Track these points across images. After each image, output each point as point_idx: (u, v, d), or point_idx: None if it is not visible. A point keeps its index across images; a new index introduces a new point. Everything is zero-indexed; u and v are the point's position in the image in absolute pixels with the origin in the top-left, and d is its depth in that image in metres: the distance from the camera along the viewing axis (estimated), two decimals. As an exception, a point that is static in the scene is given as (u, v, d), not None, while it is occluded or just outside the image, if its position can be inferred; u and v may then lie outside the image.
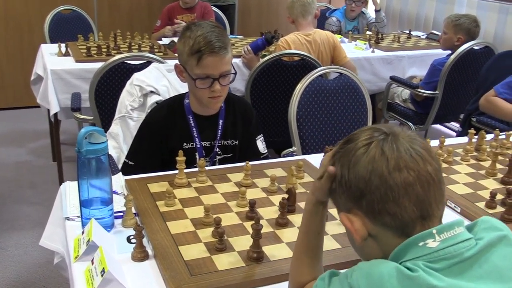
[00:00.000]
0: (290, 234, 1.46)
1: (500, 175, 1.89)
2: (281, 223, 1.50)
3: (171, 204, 1.57)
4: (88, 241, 1.32)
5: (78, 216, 1.50)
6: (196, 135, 1.95)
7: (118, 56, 2.79)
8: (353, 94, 2.66)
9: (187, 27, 1.84)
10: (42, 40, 4.25)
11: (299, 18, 3.52)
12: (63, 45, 3.52)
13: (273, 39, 3.47)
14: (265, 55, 3.58)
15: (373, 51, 4.12)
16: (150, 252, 1.36)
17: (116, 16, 5.50)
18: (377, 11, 4.97)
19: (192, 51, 1.78)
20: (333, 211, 1.54)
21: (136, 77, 2.40)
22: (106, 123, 2.88)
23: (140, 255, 1.33)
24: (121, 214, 1.51)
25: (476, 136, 2.15)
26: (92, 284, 1.21)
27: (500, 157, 1.96)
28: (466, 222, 0.99)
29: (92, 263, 1.26)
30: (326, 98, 2.60)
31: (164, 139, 1.95)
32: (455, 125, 4.65)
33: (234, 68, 1.88)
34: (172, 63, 2.96)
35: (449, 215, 1.56)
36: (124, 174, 1.83)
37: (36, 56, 3.72)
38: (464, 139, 2.22)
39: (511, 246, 0.94)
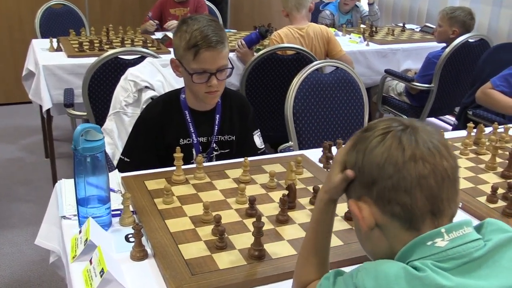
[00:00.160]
0: (291, 231, 1.44)
1: (500, 169, 1.87)
2: (282, 220, 1.47)
3: (169, 201, 1.54)
4: (86, 240, 1.29)
5: (74, 215, 1.47)
6: (192, 131, 1.92)
7: (111, 51, 2.75)
8: (350, 88, 2.64)
9: (183, 21, 1.81)
10: (33, 35, 4.19)
11: (293, 12, 3.49)
12: (54, 40, 3.47)
13: (267, 32, 3.44)
14: (259, 49, 3.55)
15: (367, 45, 4.10)
16: (149, 251, 1.33)
17: (108, 11, 5.45)
18: (370, 4, 4.94)
19: (189, 46, 1.75)
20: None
21: (131, 72, 2.37)
22: (99, 119, 2.85)
23: (139, 255, 1.30)
24: (119, 212, 1.49)
25: (475, 130, 2.13)
26: (91, 285, 1.19)
27: (499, 151, 1.94)
28: (467, 217, 0.97)
29: (91, 263, 1.24)
30: (322, 92, 2.58)
31: (160, 135, 1.92)
32: (450, 118, 4.65)
33: (231, 62, 1.85)
34: (166, 57, 2.94)
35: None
36: (120, 171, 1.80)
37: (27, 52, 3.67)
38: (461, 133, 2.21)
39: None
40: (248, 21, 5.83)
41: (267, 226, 1.44)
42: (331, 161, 1.91)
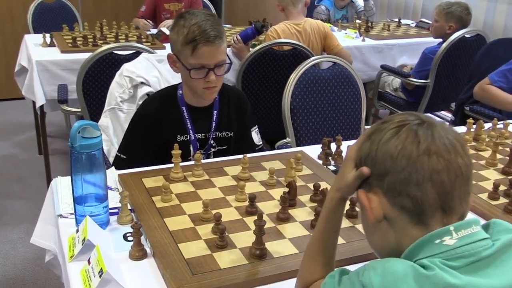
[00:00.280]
0: (292, 230, 1.41)
1: (500, 166, 1.86)
2: (283, 218, 1.45)
3: (168, 199, 1.51)
4: (84, 239, 1.26)
5: (71, 213, 1.45)
6: (190, 127, 1.90)
7: (106, 47, 2.72)
8: (347, 84, 2.62)
9: (180, 16, 1.78)
10: (25, 31, 4.14)
11: (289, 6, 3.46)
12: (47, 35, 3.43)
13: (262, 28, 3.41)
14: (254, 45, 3.52)
15: (363, 40, 4.07)
16: (148, 250, 1.30)
17: (101, 5, 5.39)
18: (365, -1, 4.93)
19: (187, 41, 1.72)
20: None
21: (126, 68, 2.33)
22: (94, 115, 2.81)
23: (138, 254, 1.28)
24: (116, 210, 1.46)
25: (474, 126, 2.12)
26: (89, 285, 1.16)
27: (499, 147, 1.93)
28: (468, 214, 0.95)
29: (89, 263, 1.21)
30: (320, 88, 2.55)
31: (157, 132, 1.89)
32: (446, 114, 4.64)
33: (229, 57, 1.82)
34: (160, 53, 2.93)
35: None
36: (116, 168, 1.77)
37: (20, 47, 3.62)
38: (459, 129, 2.19)
39: None
40: (242, 16, 5.80)
41: (268, 224, 1.41)
42: (330, 158, 1.89)
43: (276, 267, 1.25)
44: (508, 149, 1.86)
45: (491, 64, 3.19)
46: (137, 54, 2.70)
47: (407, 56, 4.22)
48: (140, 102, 2.26)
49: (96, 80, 2.73)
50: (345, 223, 1.45)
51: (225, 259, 1.27)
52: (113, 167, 1.74)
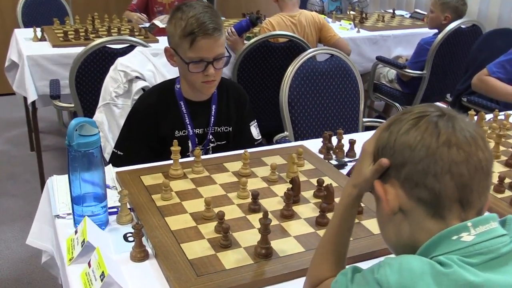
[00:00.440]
0: (297, 227, 1.38)
1: (504, 157, 1.83)
2: (287, 215, 1.42)
3: (168, 197, 1.47)
4: (83, 241, 1.22)
5: (68, 214, 1.40)
6: (188, 122, 1.85)
7: (99, 40, 2.66)
8: (345, 76, 2.58)
9: (177, 8, 1.73)
10: (14, 25, 4.06)
11: (284, -2, 3.42)
12: (38, 29, 3.36)
13: (257, 20, 3.36)
14: (249, 37, 3.48)
15: (358, 31, 4.04)
16: (149, 251, 1.26)
17: (91, -2, 5.31)
18: (359, -10, 4.89)
19: (185, 33, 1.67)
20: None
21: (120, 62, 2.29)
22: (88, 111, 2.77)
23: (139, 255, 1.24)
24: (115, 210, 1.42)
25: (475, 117, 2.09)
26: (90, 289, 1.12)
27: (502, 139, 1.90)
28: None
29: (89, 266, 1.16)
30: (318, 80, 2.52)
31: (154, 127, 1.85)
32: (441, 105, 4.61)
33: (228, 50, 1.78)
34: (154, 46, 2.87)
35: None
36: (113, 165, 1.73)
37: (10, 42, 3.55)
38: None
39: None
40: (235, 8, 5.74)
41: (272, 221, 1.36)
42: (331, 152, 1.86)
43: (283, 267, 1.21)
44: (511, 140, 1.83)
45: (488, 54, 3.16)
46: (130, 47, 2.66)
47: (402, 47, 4.19)
48: (136, 97, 2.22)
49: (90, 75, 2.68)
50: (352, 219, 1.41)
51: (230, 259, 1.23)
52: (110, 165, 1.69)
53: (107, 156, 2.11)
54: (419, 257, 0.84)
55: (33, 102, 3.07)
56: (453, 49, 3.65)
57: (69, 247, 1.27)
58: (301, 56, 2.50)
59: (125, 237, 1.32)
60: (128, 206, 1.42)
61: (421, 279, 0.79)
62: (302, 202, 1.50)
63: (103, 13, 3.91)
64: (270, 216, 1.38)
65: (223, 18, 4.32)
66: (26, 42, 3.28)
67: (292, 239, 1.32)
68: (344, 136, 1.90)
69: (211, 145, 1.92)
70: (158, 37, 3.43)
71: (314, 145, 1.94)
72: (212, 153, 1.91)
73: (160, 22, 3.75)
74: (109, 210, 1.40)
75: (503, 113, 2.18)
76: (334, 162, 1.81)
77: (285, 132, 2.45)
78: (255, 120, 2.03)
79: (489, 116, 2.21)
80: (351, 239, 1.31)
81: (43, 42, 3.29)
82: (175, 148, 1.60)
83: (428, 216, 0.87)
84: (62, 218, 1.41)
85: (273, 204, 1.48)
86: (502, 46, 3.13)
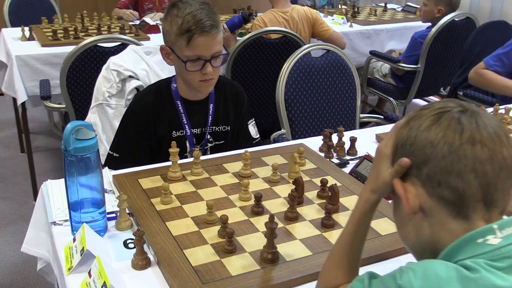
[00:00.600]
0: (302, 229, 1.34)
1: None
2: (291, 217, 1.38)
3: (168, 201, 1.43)
4: (82, 250, 1.17)
5: (65, 220, 1.35)
6: (185, 122, 1.81)
7: (90, 39, 2.60)
8: (342, 71, 2.54)
9: (173, 5, 1.68)
10: (1, 24, 3.98)
11: (275, -8, 3.37)
12: (26, 28, 3.28)
13: (250, 16, 3.30)
14: (241, 34, 3.43)
15: (351, 26, 4.00)
16: (151, 257, 1.22)
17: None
18: (350, -16, 4.85)
19: (181, 31, 1.62)
20: (346, 199, 1.44)
21: (113, 61, 2.23)
22: (79, 111, 2.71)
23: (141, 263, 1.19)
24: (114, 215, 1.37)
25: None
26: (91, 300, 1.07)
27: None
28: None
29: (90, 275, 1.12)
30: (314, 76, 2.48)
31: (151, 128, 1.80)
32: (434, 99, 4.60)
33: (225, 48, 1.73)
34: (147, 44, 2.81)
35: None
36: (109, 167, 1.68)
37: (-3, 42, 3.47)
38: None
39: None
40: (225, 3, 5.67)
41: (276, 224, 1.34)
42: (332, 150, 1.82)
43: (290, 272, 1.17)
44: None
45: (483, 47, 3.15)
46: (122, 46, 2.60)
47: (395, 41, 4.17)
48: (129, 97, 2.17)
49: (81, 74, 2.63)
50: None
51: (235, 264, 1.19)
52: (106, 167, 1.64)
53: (102, 158, 2.06)
54: (444, 261, 0.81)
55: (23, 103, 3.01)
56: (447, 43, 3.62)
57: (68, 256, 1.22)
58: (297, 53, 2.46)
59: (125, 244, 1.28)
60: (127, 211, 1.37)
61: (448, 284, 0.76)
62: (306, 203, 1.47)
63: (92, 11, 3.84)
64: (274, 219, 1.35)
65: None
66: (14, 42, 3.21)
67: (298, 242, 1.28)
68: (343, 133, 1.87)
69: (209, 145, 1.87)
70: (149, 35, 3.37)
71: (314, 143, 1.90)
72: (210, 153, 1.86)
73: (150, 19, 3.69)
74: (107, 216, 1.35)
75: (503, 106, 2.15)
76: (335, 160, 1.77)
77: (282, 130, 2.40)
78: (253, 119, 1.99)
79: (490, 110, 2.18)
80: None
81: (31, 42, 3.23)
82: (174, 149, 1.55)
83: (450, 217, 0.84)
84: (59, 225, 1.36)
85: (276, 205, 1.44)
86: (497, 38, 3.11)
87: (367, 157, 1.66)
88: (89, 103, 2.32)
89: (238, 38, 3.25)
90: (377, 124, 2.60)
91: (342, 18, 4.08)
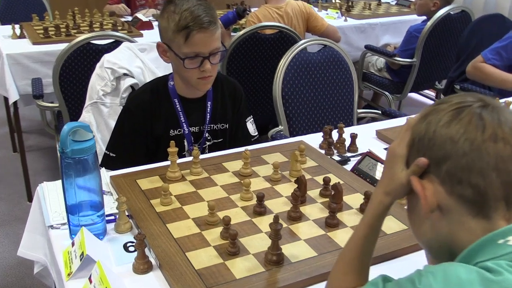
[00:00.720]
0: (306, 229, 1.31)
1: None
2: (295, 217, 1.35)
3: (168, 202, 1.39)
4: (82, 254, 1.14)
5: (63, 224, 1.32)
6: (183, 120, 1.77)
7: (83, 36, 2.55)
8: (339, 66, 2.52)
9: (170, 1, 1.64)
10: (-9, 22, 3.93)
11: (269, -12, 3.33)
12: (17, 26, 3.23)
13: (244, 12, 3.26)
14: (236, 29, 3.39)
15: (345, 20, 3.97)
16: (153, 261, 1.19)
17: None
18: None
19: (179, 28, 1.59)
20: (349, 197, 1.41)
21: (107, 59, 2.18)
22: (73, 110, 2.67)
23: (143, 267, 1.16)
24: (113, 218, 1.34)
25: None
26: (93, 307, 1.04)
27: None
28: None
29: (90, 281, 1.08)
30: (311, 72, 2.45)
31: (148, 127, 1.76)
32: (429, 93, 4.59)
33: (223, 44, 1.70)
34: (140, 41, 2.77)
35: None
36: (106, 167, 1.64)
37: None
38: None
39: None
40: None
41: (280, 224, 1.31)
42: (333, 147, 1.79)
43: (296, 274, 1.14)
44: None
45: (479, 41, 3.13)
46: (115, 43, 2.56)
47: (390, 35, 4.14)
48: (124, 95, 2.13)
49: (74, 72, 2.58)
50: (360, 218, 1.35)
51: (240, 267, 1.16)
52: (103, 169, 1.61)
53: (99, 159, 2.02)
54: (464, 264, 0.78)
55: (15, 102, 2.95)
56: (442, 36, 3.60)
57: (67, 261, 1.18)
58: (293, 48, 2.43)
59: (126, 247, 1.25)
60: (126, 213, 1.33)
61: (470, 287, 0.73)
62: (309, 202, 1.44)
63: (83, 8, 3.78)
64: (277, 219, 1.32)
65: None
66: (4, 40, 3.15)
67: (302, 242, 1.26)
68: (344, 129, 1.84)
69: (207, 143, 1.84)
70: (142, 31, 3.32)
71: (313, 140, 1.88)
72: (209, 151, 1.83)
73: (143, 15, 3.64)
74: (106, 218, 1.32)
75: (503, 100, 2.13)
76: (336, 157, 1.74)
77: (280, 127, 2.37)
78: (251, 116, 1.96)
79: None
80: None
81: (22, 40, 3.17)
82: (172, 149, 1.51)
83: (470, 215, 0.81)
84: (56, 229, 1.32)
85: (278, 205, 1.41)
86: (493, 32, 3.09)
87: (368, 154, 1.64)
88: (83, 102, 2.28)
89: (232, 34, 3.21)
90: (373, 119, 2.58)
91: (337, 13, 4.05)
